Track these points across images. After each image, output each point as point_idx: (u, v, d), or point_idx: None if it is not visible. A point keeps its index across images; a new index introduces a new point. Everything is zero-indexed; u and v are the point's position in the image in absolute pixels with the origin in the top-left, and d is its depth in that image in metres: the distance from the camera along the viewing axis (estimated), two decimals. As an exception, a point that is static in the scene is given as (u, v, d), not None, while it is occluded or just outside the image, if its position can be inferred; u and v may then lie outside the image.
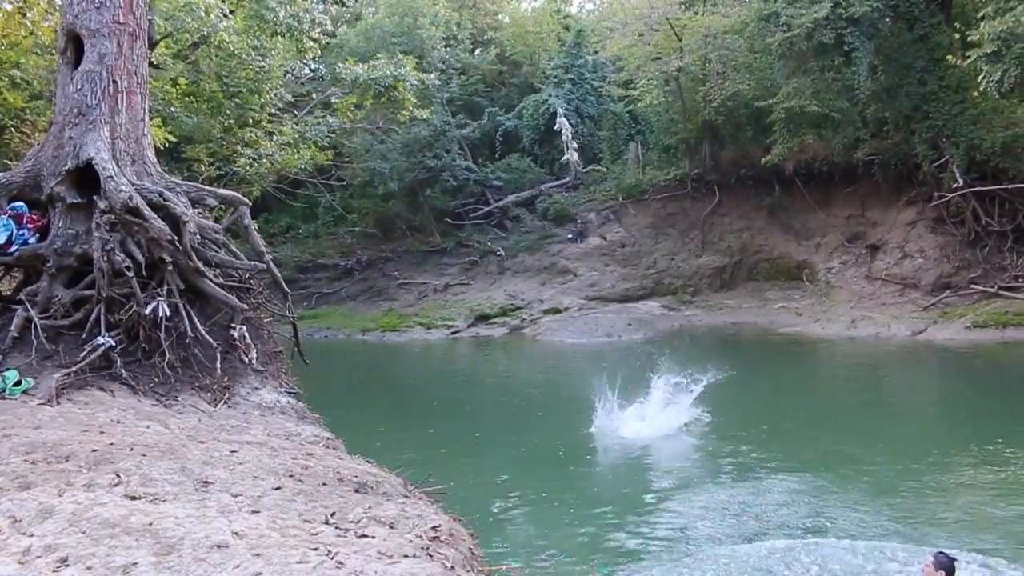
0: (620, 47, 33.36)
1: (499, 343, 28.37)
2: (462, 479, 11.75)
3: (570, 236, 33.14)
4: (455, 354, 27.83)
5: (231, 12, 20.82)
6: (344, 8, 37.26)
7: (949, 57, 22.95)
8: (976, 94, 22.46)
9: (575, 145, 33.69)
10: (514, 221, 34.19)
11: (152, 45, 10.64)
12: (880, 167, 27.58)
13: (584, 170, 34.63)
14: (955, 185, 25.06)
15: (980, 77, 20.76)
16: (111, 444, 6.06)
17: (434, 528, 4.92)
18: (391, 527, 4.85)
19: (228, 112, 21.24)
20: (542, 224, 33.84)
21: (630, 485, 12.21)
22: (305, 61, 26.98)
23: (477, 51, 40.16)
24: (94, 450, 5.79)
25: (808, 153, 28.57)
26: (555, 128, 33.97)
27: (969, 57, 21.18)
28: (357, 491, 5.75)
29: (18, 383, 7.54)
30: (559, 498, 11.22)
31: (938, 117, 25.12)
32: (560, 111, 33.80)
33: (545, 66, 37.53)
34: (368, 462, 6.94)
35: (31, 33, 15.38)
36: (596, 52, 36.66)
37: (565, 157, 33.83)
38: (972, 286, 24.97)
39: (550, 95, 35.45)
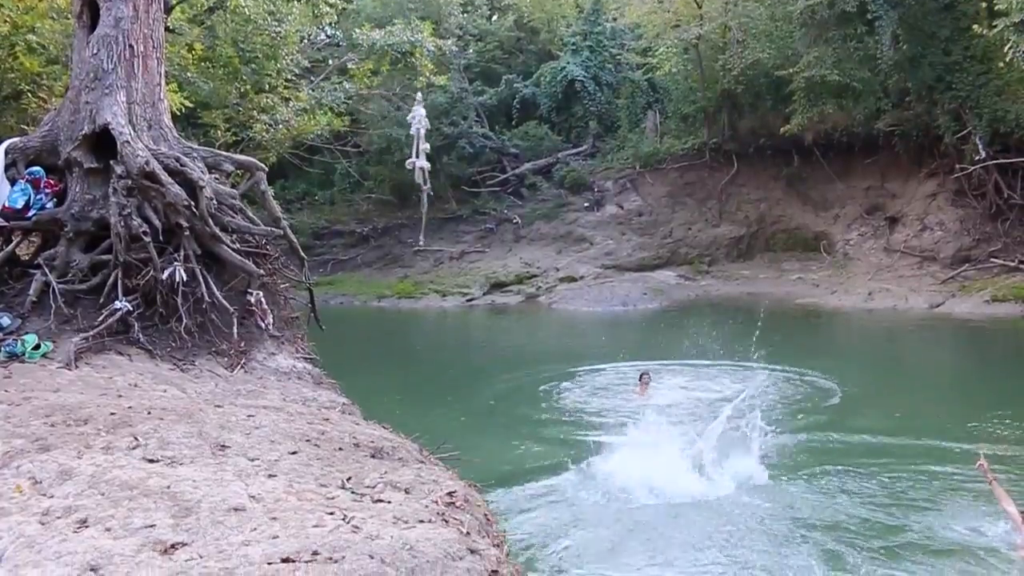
0: (639, 14, 32.98)
1: (514, 311, 28.39)
2: (477, 445, 11.81)
3: (587, 204, 33.00)
4: (470, 321, 27.88)
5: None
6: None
7: (975, 26, 22.51)
8: (1002, 64, 22.07)
9: (427, 148, 28.50)
10: (530, 189, 34.06)
11: (168, 9, 10.57)
12: (901, 138, 27.26)
13: (580, 143, 34.22)
14: (977, 157, 24.74)
15: (1006, 47, 20.38)
16: (129, 408, 6.12)
17: (449, 494, 4.95)
18: (407, 492, 4.88)
19: (244, 78, 21.16)
20: (559, 192, 33.68)
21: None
22: (321, 26, 26.82)
23: (494, 17, 39.80)
24: (112, 413, 5.84)
25: (828, 123, 28.22)
26: (409, 119, 28.50)
27: (996, 27, 20.77)
28: (373, 456, 5.79)
29: (37, 347, 7.61)
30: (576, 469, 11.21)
31: (962, 88, 24.75)
32: (418, 99, 28.22)
33: (563, 33, 37.15)
34: (384, 428, 6.98)
35: (47, -4, 15.31)
36: (615, 19, 36.24)
37: (410, 160, 28.32)
38: (992, 260, 24.74)
39: (568, 62, 35.14)
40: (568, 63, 35.10)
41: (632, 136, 34.10)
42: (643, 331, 24.73)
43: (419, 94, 28.30)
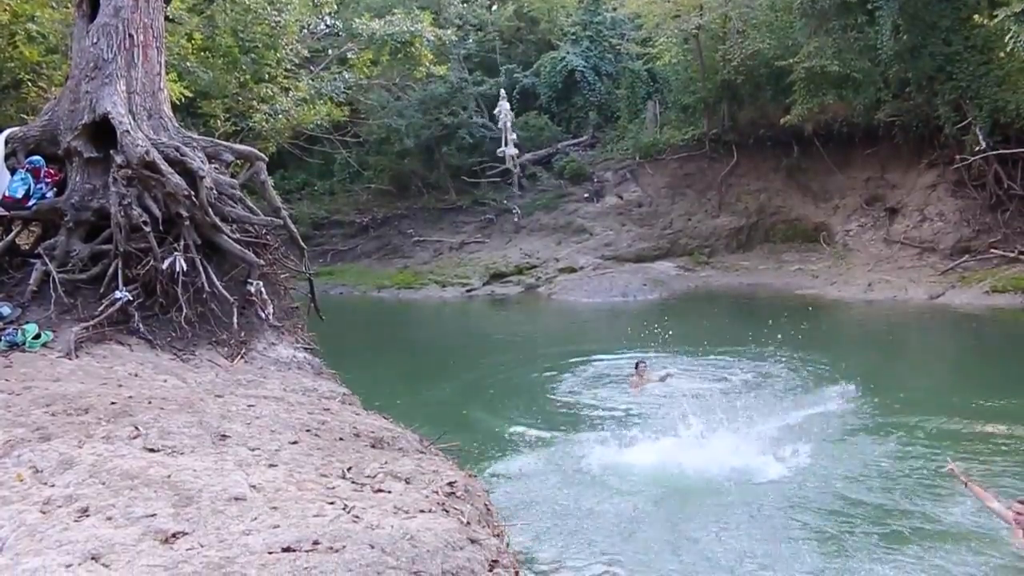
0: (639, 4, 32.88)
1: (514, 302, 28.40)
2: (476, 436, 11.85)
3: (586, 195, 32.96)
4: (470, 312, 27.90)
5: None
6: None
7: (975, 16, 22.44)
8: (1002, 55, 21.98)
9: (514, 138, 32.84)
10: (530, 179, 34.02)
11: (166, -1, 10.54)
12: (901, 129, 27.21)
13: (580, 134, 34.37)
14: (977, 148, 24.69)
15: (1007, 37, 20.31)
16: (129, 397, 6.12)
17: (450, 484, 4.95)
18: (407, 482, 4.88)
19: (244, 67, 21.12)
20: (558, 183, 33.65)
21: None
22: (321, 16, 26.76)
23: (494, 7, 39.71)
24: (113, 403, 5.85)
25: (828, 114, 28.16)
26: (496, 112, 32.98)
27: (996, 16, 20.72)
28: (373, 446, 5.80)
29: (37, 336, 7.61)
30: (575, 458, 11.24)
31: (962, 78, 24.68)
32: (502, 95, 32.88)
33: (563, 23, 37.07)
34: (384, 418, 6.99)
35: (46, -15, 15.24)
36: (615, 9, 36.18)
37: (501, 149, 33.06)
38: (992, 251, 24.71)
39: (568, 52, 35.06)
40: (568, 53, 35.04)
41: (632, 127, 34.05)
42: (642, 322, 24.74)
43: (502, 90, 32.44)
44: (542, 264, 30.71)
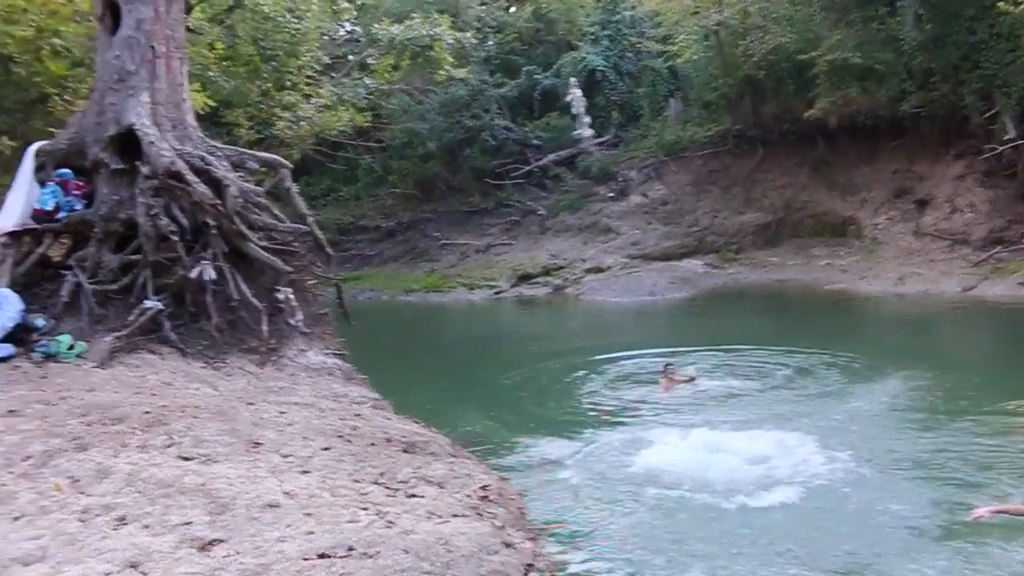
0: (657, 2, 32.67)
1: (542, 303, 28.36)
2: (507, 439, 11.80)
3: (611, 194, 32.84)
4: (499, 314, 27.88)
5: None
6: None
7: (1000, 4, 22.14)
8: (1030, 42, 21.74)
9: (587, 120, 33.31)
10: (555, 180, 33.92)
11: (188, 9, 10.64)
12: (927, 120, 26.85)
13: (603, 133, 34.45)
14: (1006, 137, 24.31)
15: (1034, 24, 20.07)
16: (163, 406, 6.17)
17: (483, 488, 4.96)
18: (440, 487, 4.89)
19: (266, 75, 21.25)
20: (583, 183, 33.52)
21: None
22: (341, 22, 26.88)
23: (512, 8, 39.69)
24: (147, 412, 5.90)
25: (852, 107, 27.82)
26: (568, 99, 33.60)
27: (1021, 4, 20.45)
28: (405, 451, 5.81)
29: (71, 347, 7.70)
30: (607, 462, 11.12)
31: (988, 67, 24.34)
32: (572, 83, 33.34)
33: (582, 23, 36.97)
34: (415, 422, 7.00)
35: (70, 0, 15.40)
36: (633, 7, 36.01)
37: (577, 132, 33.51)
38: (1024, 240, 24.35)
39: (588, 52, 34.98)
40: (588, 53, 34.92)
41: (655, 125, 33.85)
42: (671, 320, 24.65)
43: (572, 79, 33.14)
44: (569, 265, 30.61)
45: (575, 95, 33.06)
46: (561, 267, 30.51)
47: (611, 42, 35.13)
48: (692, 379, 14.78)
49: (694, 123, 33.03)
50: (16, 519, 3.95)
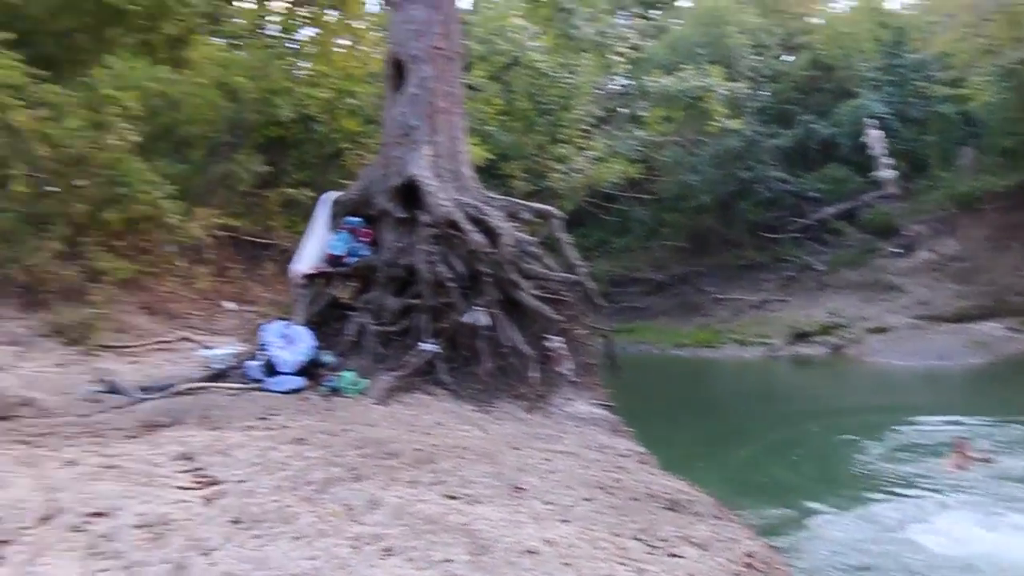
0: (946, 42, 30.41)
1: (819, 363, 26.83)
2: (777, 503, 11.10)
3: (896, 250, 30.65)
4: (772, 373, 26.70)
5: (541, 32, 21.59)
6: (649, 21, 37.33)
7: None
8: None
9: (889, 161, 31.38)
10: (833, 234, 32.23)
11: (467, 67, 11.23)
12: None
13: (893, 181, 32.21)
14: None
15: None
16: (433, 445, 6.36)
17: (748, 554, 4.62)
18: (703, 549, 4.62)
19: (540, 129, 22.03)
20: (864, 237, 31.58)
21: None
22: (612, 76, 27.34)
23: (787, 57, 38.59)
24: (418, 449, 6.10)
25: None
26: (861, 140, 31.98)
27: None
28: (668, 509, 5.57)
29: (355, 383, 8.18)
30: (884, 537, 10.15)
31: None
32: (868, 123, 31.73)
33: (861, 69, 35.14)
34: (680, 479, 6.72)
35: (363, 64, 16.85)
36: (918, 50, 33.74)
37: (877, 174, 31.61)
38: None
39: (868, 99, 33.12)
40: (868, 100, 33.08)
41: (945, 175, 31.28)
42: (965, 387, 22.33)
43: (866, 119, 32.16)
44: (849, 323, 28.78)
45: (872, 135, 31.45)
46: (840, 326, 28.73)
47: (894, 87, 33.04)
48: (987, 460, 13.07)
49: (990, 172, 30.07)
50: (296, 539, 4.18)
